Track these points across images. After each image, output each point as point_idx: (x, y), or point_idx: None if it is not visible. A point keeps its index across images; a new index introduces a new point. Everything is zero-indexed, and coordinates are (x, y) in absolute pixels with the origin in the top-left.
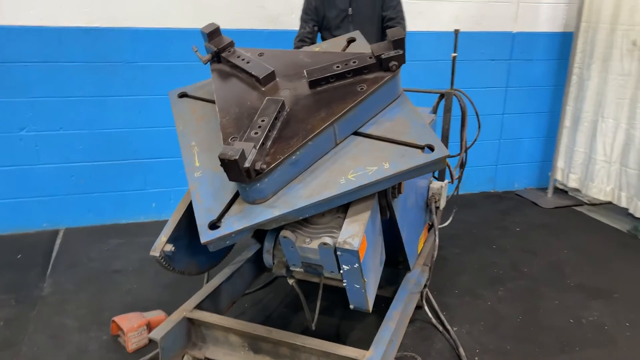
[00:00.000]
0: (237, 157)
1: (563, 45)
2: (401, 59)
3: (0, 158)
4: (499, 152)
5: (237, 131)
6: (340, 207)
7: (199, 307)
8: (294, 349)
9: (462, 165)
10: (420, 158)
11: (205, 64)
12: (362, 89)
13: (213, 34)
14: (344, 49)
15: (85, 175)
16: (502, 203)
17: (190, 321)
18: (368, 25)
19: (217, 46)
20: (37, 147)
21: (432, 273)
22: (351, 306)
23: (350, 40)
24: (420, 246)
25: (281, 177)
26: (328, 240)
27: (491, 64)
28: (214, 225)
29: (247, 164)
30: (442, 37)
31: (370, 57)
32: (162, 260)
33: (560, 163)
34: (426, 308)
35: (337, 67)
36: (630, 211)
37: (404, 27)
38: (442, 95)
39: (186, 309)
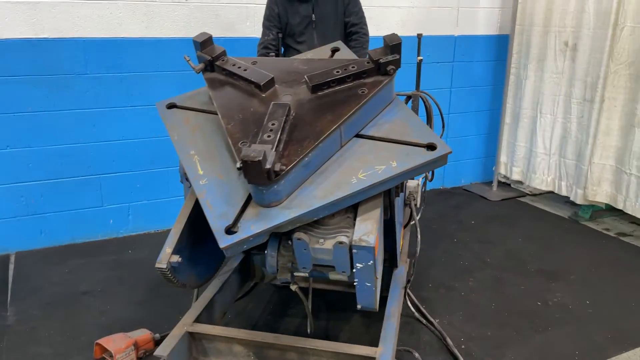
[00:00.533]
0: (260, 158)
1: (500, 47)
2: (397, 63)
3: None
4: None
5: (245, 136)
6: (348, 208)
7: (197, 320)
8: (302, 352)
9: None
10: (426, 156)
11: (198, 72)
12: (363, 92)
13: (206, 42)
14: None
15: (36, 194)
16: (452, 198)
17: (190, 335)
18: (331, 31)
19: (211, 55)
20: None
21: (410, 269)
22: (358, 306)
23: (335, 50)
24: (402, 243)
25: (295, 179)
26: (344, 239)
27: (437, 66)
28: (230, 230)
29: (268, 165)
30: None
31: (368, 62)
32: (168, 272)
33: (503, 158)
34: (408, 303)
35: (337, 72)
36: (571, 198)
37: (366, 32)
38: (409, 97)
39: (186, 323)
